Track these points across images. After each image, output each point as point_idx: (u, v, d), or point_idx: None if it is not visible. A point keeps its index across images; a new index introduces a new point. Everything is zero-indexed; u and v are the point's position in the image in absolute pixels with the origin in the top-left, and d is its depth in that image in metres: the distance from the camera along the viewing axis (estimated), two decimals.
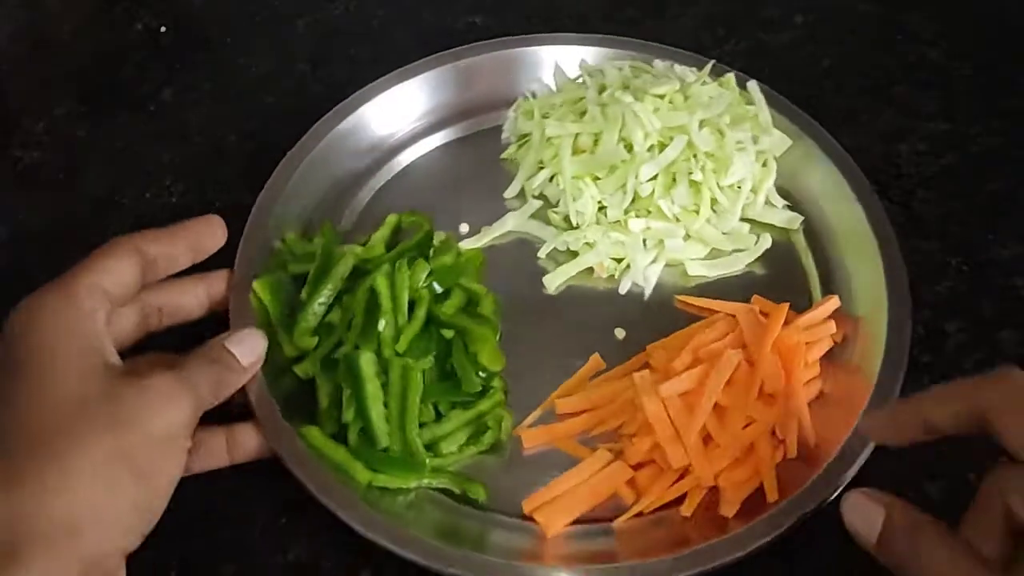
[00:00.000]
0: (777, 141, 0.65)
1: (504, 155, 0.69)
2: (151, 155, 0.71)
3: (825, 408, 0.54)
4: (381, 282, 0.57)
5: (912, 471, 0.52)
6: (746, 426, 0.52)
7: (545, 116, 0.67)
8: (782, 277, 0.62)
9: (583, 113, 0.65)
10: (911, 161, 0.69)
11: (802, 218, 0.64)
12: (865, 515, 0.40)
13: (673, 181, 0.62)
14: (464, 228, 0.65)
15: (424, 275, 0.58)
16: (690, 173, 0.61)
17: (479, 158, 0.69)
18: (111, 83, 0.76)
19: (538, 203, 0.65)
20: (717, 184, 0.62)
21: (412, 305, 0.57)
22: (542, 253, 0.63)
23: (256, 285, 0.58)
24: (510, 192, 0.67)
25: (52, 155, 0.72)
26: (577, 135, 0.64)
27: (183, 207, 0.68)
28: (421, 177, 0.68)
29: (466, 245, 0.64)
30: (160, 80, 0.76)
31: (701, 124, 0.62)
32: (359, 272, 0.59)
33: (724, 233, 0.62)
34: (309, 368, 0.56)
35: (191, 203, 0.68)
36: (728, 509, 0.50)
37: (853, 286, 0.59)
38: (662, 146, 0.62)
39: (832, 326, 0.56)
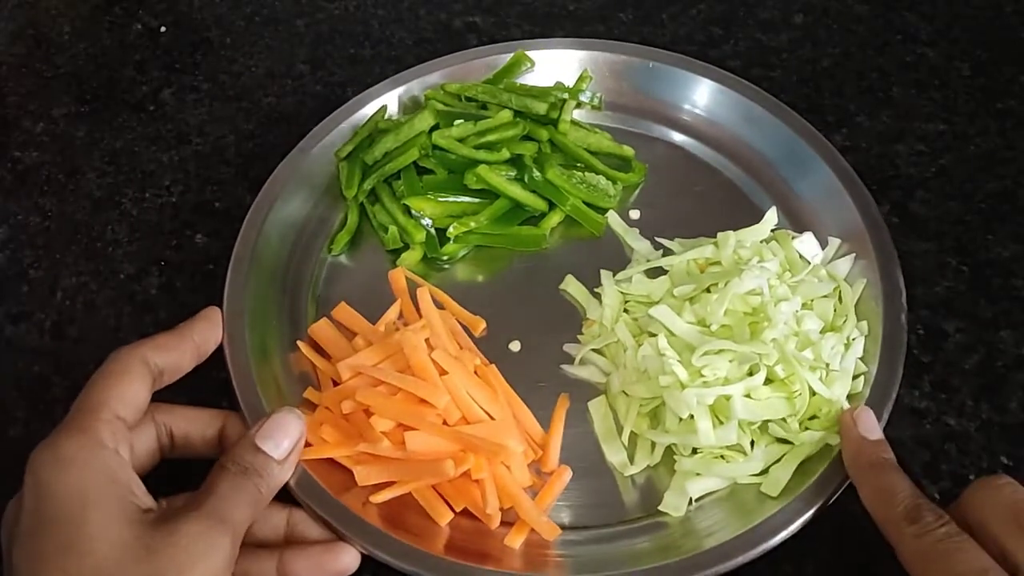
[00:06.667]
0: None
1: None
2: (151, 155, 0.71)
3: None
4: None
5: (912, 471, 0.50)
6: None
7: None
8: None
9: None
10: (909, 161, 0.69)
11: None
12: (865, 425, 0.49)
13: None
14: None
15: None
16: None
17: None
18: (111, 83, 0.76)
19: None
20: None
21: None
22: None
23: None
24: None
25: (52, 155, 0.71)
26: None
27: (182, 207, 0.68)
28: None
29: None
30: (159, 80, 0.76)
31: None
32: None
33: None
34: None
35: (190, 203, 0.68)
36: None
37: None
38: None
39: None
